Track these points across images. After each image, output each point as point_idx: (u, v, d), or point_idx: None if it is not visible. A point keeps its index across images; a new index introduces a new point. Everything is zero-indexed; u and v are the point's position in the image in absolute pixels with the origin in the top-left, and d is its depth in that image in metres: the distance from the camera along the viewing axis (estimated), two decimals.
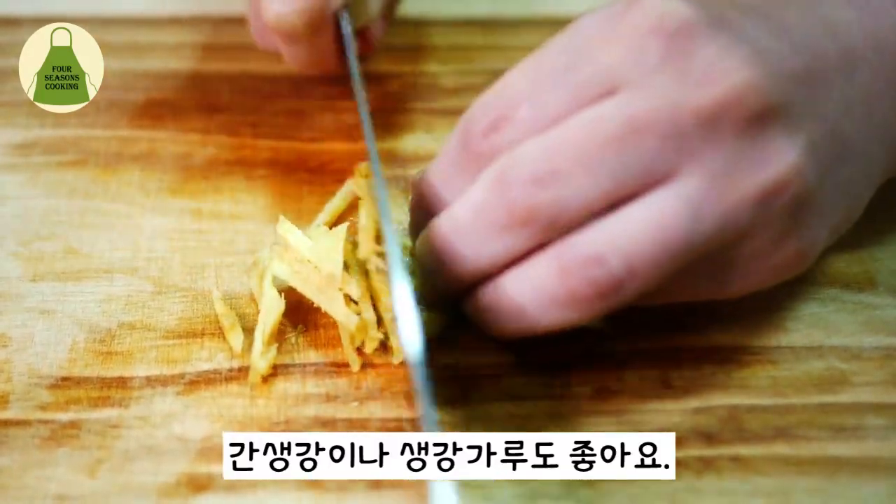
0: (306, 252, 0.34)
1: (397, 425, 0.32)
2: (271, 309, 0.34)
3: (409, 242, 0.35)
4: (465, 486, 0.30)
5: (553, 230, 0.29)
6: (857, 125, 0.32)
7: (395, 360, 0.34)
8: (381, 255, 0.33)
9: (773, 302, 0.36)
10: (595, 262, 0.29)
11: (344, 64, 0.42)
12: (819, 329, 0.35)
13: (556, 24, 0.32)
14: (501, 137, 0.31)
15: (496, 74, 0.35)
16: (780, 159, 0.30)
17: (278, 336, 0.34)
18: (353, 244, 0.35)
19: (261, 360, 0.33)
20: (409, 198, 0.35)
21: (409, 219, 0.35)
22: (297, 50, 0.42)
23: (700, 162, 0.29)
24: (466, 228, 0.30)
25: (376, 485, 0.30)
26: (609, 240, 0.29)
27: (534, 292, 0.30)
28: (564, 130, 0.29)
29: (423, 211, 0.33)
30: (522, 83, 0.31)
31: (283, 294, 0.34)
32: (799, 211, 0.31)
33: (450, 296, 0.33)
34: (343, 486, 0.30)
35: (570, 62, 0.30)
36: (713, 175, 0.29)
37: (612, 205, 0.29)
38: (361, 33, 0.44)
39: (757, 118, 0.29)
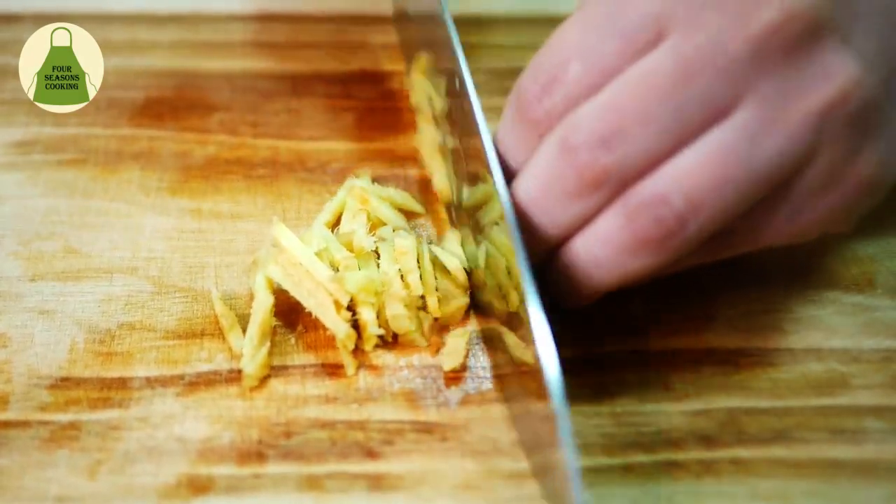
0: (298, 255, 0.34)
1: (398, 427, 0.32)
2: (259, 310, 0.34)
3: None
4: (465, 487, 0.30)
5: (623, 186, 0.30)
6: None
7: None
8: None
9: (772, 304, 0.36)
10: (659, 203, 0.29)
11: None
12: (818, 331, 0.36)
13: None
14: (554, 100, 0.31)
15: (496, 74, 0.35)
16: (836, 73, 0.30)
17: (278, 338, 0.34)
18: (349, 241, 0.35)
19: (250, 363, 0.33)
20: None
21: None
22: None
23: (755, 90, 0.29)
24: (539, 200, 0.31)
25: (376, 485, 0.30)
26: (671, 180, 0.29)
27: (604, 246, 0.30)
28: (620, 87, 0.30)
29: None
30: (569, 39, 0.31)
31: (281, 295, 0.34)
32: (864, 122, 0.30)
33: (535, 260, 0.32)
34: (343, 487, 0.30)
35: (614, 10, 0.30)
36: (769, 100, 0.29)
37: (675, 149, 0.29)
38: None
39: (807, 37, 0.29)
